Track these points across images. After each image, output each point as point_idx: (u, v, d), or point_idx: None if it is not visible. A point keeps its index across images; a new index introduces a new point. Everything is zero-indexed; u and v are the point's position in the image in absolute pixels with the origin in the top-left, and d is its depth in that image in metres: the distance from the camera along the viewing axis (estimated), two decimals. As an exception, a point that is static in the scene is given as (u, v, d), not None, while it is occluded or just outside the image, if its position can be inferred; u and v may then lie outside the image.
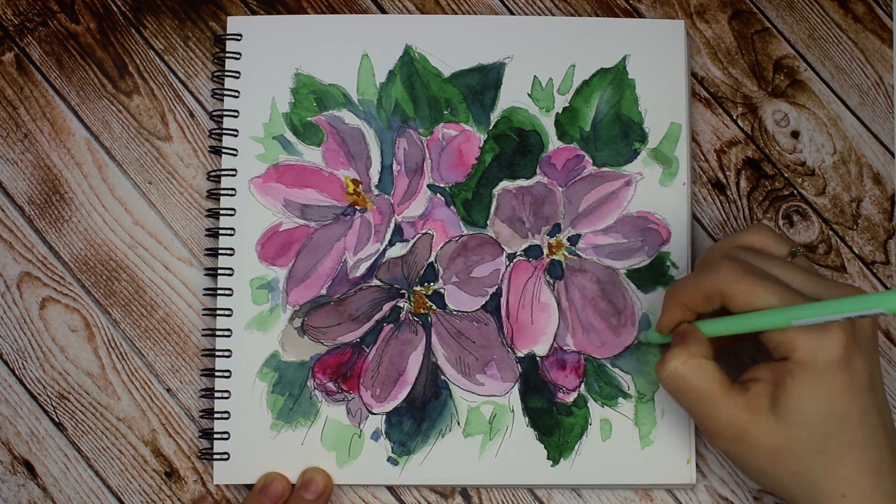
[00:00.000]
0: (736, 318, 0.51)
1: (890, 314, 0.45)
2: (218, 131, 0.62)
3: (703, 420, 0.52)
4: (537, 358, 0.61)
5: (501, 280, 0.61)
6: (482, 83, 0.62)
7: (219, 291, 0.61)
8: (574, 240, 0.61)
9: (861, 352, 0.50)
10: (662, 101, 0.62)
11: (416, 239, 0.61)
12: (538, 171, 0.62)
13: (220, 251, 0.61)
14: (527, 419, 0.60)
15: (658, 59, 0.63)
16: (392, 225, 0.61)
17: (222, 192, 0.61)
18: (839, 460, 0.50)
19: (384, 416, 0.60)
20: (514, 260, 0.61)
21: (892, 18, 0.65)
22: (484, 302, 0.61)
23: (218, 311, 0.61)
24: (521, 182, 0.62)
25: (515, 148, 0.62)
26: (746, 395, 0.51)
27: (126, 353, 0.62)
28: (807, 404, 0.50)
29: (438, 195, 0.62)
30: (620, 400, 0.60)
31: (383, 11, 0.65)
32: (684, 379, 0.51)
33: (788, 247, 0.54)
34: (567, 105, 0.62)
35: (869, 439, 0.51)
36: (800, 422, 0.50)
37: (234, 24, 0.63)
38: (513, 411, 0.60)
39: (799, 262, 0.54)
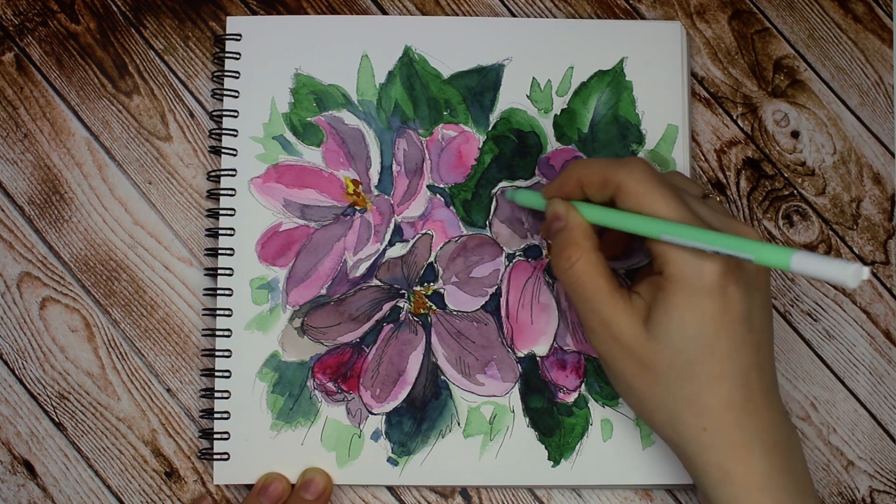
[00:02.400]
0: (616, 212, 0.50)
1: (760, 264, 0.45)
2: (218, 131, 0.62)
3: (586, 315, 0.51)
4: (537, 358, 0.61)
5: (501, 280, 0.61)
6: (481, 84, 0.62)
7: (219, 291, 0.61)
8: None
9: (739, 284, 0.49)
10: (660, 103, 0.62)
11: (415, 239, 0.61)
12: (537, 171, 0.62)
13: (220, 251, 0.61)
14: (527, 419, 0.60)
15: (656, 61, 0.63)
16: (392, 225, 0.62)
17: (222, 192, 0.61)
18: (704, 391, 0.49)
19: (384, 417, 0.60)
20: (514, 260, 0.61)
21: (892, 18, 0.65)
22: (484, 302, 0.61)
23: (218, 312, 0.61)
24: (520, 183, 0.62)
25: (514, 149, 0.62)
26: (629, 302, 0.50)
27: (126, 353, 0.62)
28: (672, 323, 0.49)
29: (438, 196, 0.62)
30: (621, 400, 0.60)
31: (383, 12, 0.64)
32: (577, 275, 0.51)
33: (702, 190, 0.54)
34: (565, 107, 0.62)
35: (737, 375, 0.49)
36: (665, 340, 0.49)
37: (234, 24, 0.63)
38: (513, 411, 0.60)
39: (710, 202, 0.53)
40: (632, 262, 0.61)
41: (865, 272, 0.41)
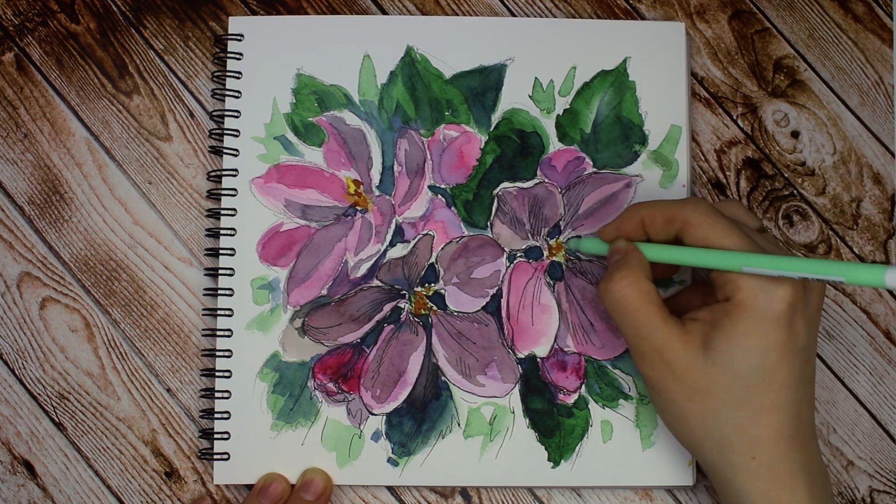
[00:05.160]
0: (689, 249, 0.51)
1: (850, 285, 0.45)
2: (219, 131, 0.62)
3: (636, 342, 0.52)
4: (538, 359, 0.61)
5: (502, 281, 0.61)
6: (483, 84, 0.62)
7: (220, 291, 0.61)
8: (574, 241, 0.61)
9: (805, 317, 0.50)
10: (662, 104, 0.62)
11: (416, 240, 0.61)
12: (539, 172, 0.62)
13: (221, 251, 0.61)
14: (527, 420, 0.60)
15: (658, 62, 0.63)
16: (393, 226, 0.61)
17: (223, 192, 0.61)
18: (756, 419, 0.50)
19: (384, 417, 0.60)
20: (515, 261, 0.61)
21: (892, 18, 0.65)
22: (484, 303, 0.61)
23: (218, 312, 0.61)
24: (522, 183, 0.62)
25: (516, 149, 0.62)
26: (683, 328, 0.51)
27: (126, 353, 0.62)
28: (736, 348, 0.49)
29: (439, 196, 0.62)
30: (621, 401, 0.60)
31: (384, 12, 0.64)
32: (628, 300, 0.51)
33: (759, 223, 0.55)
34: (568, 107, 0.62)
35: (790, 406, 0.50)
36: (725, 364, 0.49)
37: (236, 24, 0.63)
38: (513, 412, 0.60)
39: (766, 236, 0.54)
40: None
41: None
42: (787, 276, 0.47)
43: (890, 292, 0.63)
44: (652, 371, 0.52)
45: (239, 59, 0.63)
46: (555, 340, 0.61)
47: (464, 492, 0.62)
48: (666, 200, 0.53)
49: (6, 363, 0.62)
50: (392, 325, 0.61)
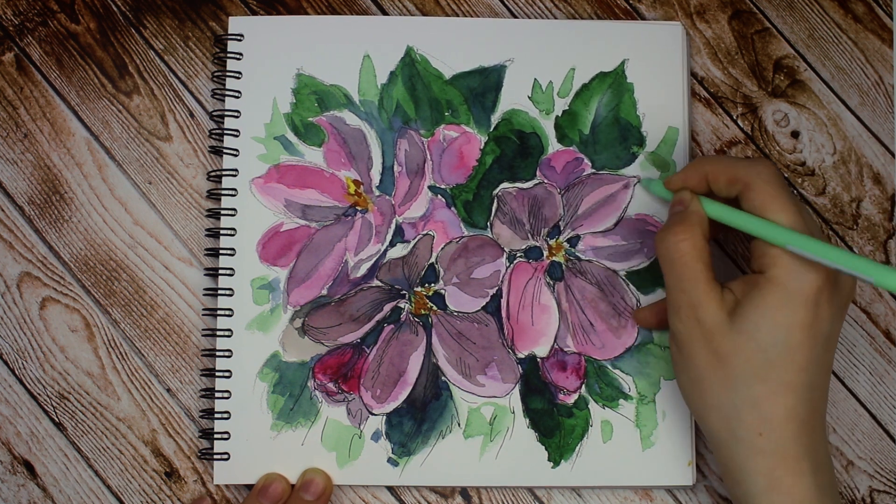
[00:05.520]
0: (743, 214, 0.52)
1: (879, 287, 0.46)
2: (219, 131, 0.62)
3: (676, 294, 0.53)
4: (538, 359, 0.61)
5: (502, 281, 0.61)
6: (483, 85, 0.62)
7: (220, 291, 0.61)
8: (574, 241, 0.61)
9: (831, 305, 0.51)
10: (660, 105, 0.62)
11: (416, 240, 0.61)
12: (538, 173, 0.62)
13: (221, 251, 0.61)
14: (527, 420, 0.60)
15: (657, 63, 0.63)
16: (393, 226, 0.61)
17: (223, 192, 0.61)
18: (772, 396, 0.50)
19: (384, 417, 0.60)
20: (515, 261, 0.61)
21: (892, 18, 0.65)
22: (484, 303, 0.61)
23: (218, 312, 0.61)
24: (522, 184, 0.62)
25: (516, 150, 0.62)
26: (720, 292, 0.52)
27: (126, 353, 0.62)
28: (762, 318, 0.50)
29: (439, 196, 0.62)
30: (621, 401, 0.61)
31: (383, 12, 0.64)
32: (682, 253, 0.52)
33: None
34: (567, 108, 0.62)
35: (805, 389, 0.51)
36: (750, 332, 0.50)
37: (236, 24, 0.63)
38: (513, 412, 0.60)
39: (814, 220, 0.55)
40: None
41: None
42: (824, 263, 0.48)
43: (890, 291, 0.63)
44: (682, 326, 0.52)
45: (239, 59, 0.63)
46: (555, 340, 0.61)
47: (464, 492, 0.62)
48: (733, 158, 0.55)
49: (6, 363, 0.62)
50: (392, 325, 0.61)
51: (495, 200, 0.62)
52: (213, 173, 0.62)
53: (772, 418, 0.51)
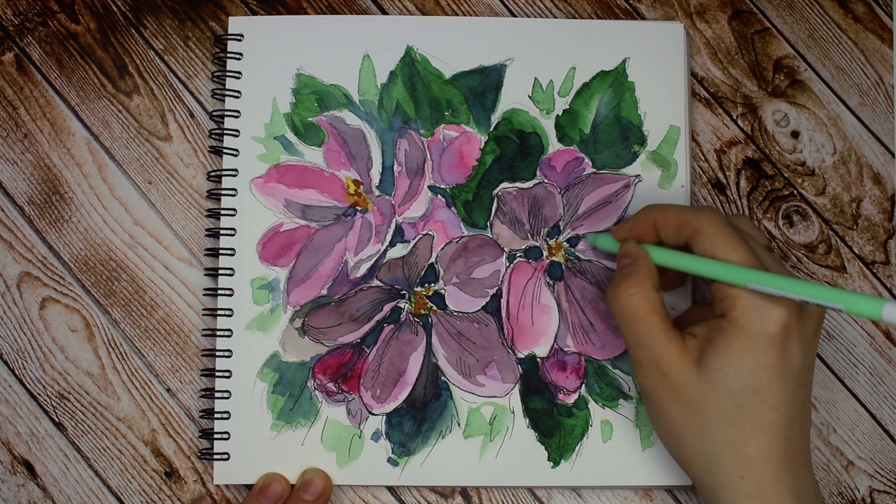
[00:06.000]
0: (696, 258, 0.51)
1: (850, 314, 0.46)
2: (219, 131, 0.62)
3: (636, 350, 0.52)
4: (538, 359, 0.61)
5: (502, 281, 0.61)
6: (483, 85, 0.62)
7: (219, 291, 0.61)
8: (573, 241, 0.61)
9: (800, 340, 0.50)
10: (661, 104, 0.62)
11: (416, 240, 0.61)
12: (538, 172, 0.62)
13: (221, 251, 0.61)
14: (527, 420, 0.60)
15: (657, 62, 0.63)
16: (393, 226, 0.61)
17: (223, 192, 0.61)
18: (747, 439, 0.50)
19: (384, 417, 0.60)
20: (515, 261, 0.61)
21: (892, 18, 0.65)
22: (484, 303, 0.61)
23: (218, 312, 0.61)
24: (522, 184, 0.62)
25: (516, 150, 0.62)
26: (682, 342, 0.51)
27: (126, 353, 0.62)
28: (729, 366, 0.49)
29: (439, 196, 0.62)
30: (621, 401, 0.61)
31: (383, 12, 0.64)
32: (633, 308, 0.51)
33: (767, 241, 0.55)
34: (567, 107, 0.62)
35: (781, 428, 0.50)
36: (718, 381, 0.50)
37: (236, 24, 0.63)
38: (513, 412, 0.60)
39: (772, 255, 0.54)
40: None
41: None
42: (787, 296, 0.47)
43: (889, 291, 0.63)
44: (648, 381, 0.52)
45: (239, 59, 0.63)
46: (555, 340, 0.61)
47: (464, 492, 0.62)
48: (680, 206, 0.54)
49: (6, 363, 0.62)
50: (392, 325, 0.61)
51: (495, 200, 0.62)
52: (212, 173, 0.62)
53: (750, 460, 0.50)
